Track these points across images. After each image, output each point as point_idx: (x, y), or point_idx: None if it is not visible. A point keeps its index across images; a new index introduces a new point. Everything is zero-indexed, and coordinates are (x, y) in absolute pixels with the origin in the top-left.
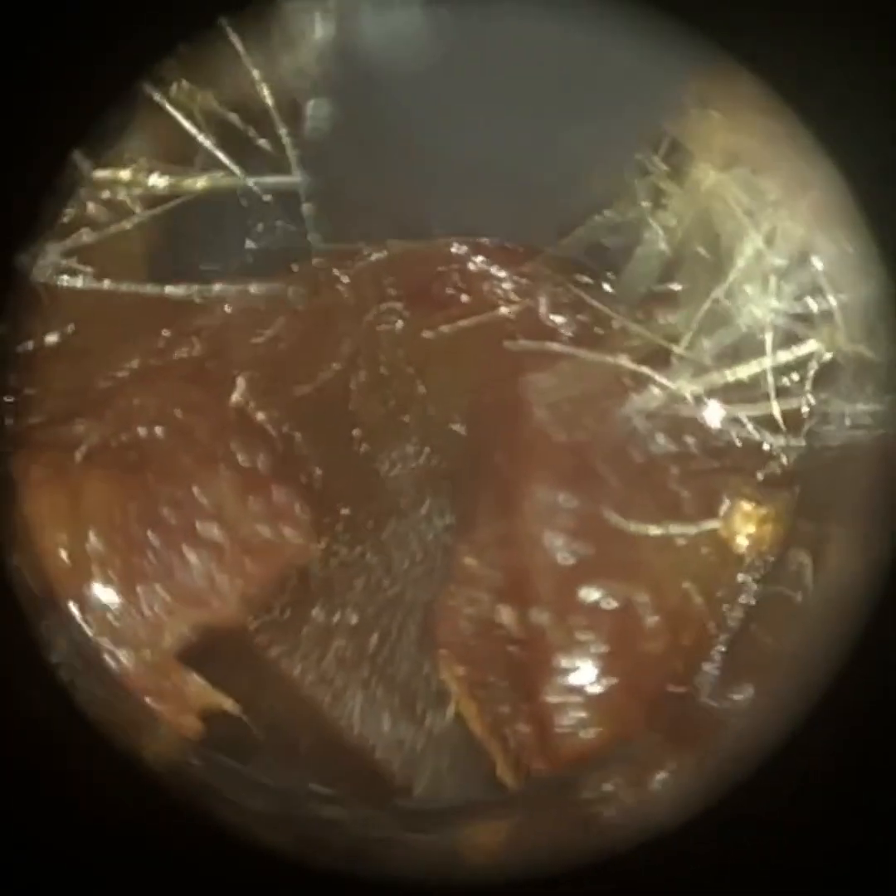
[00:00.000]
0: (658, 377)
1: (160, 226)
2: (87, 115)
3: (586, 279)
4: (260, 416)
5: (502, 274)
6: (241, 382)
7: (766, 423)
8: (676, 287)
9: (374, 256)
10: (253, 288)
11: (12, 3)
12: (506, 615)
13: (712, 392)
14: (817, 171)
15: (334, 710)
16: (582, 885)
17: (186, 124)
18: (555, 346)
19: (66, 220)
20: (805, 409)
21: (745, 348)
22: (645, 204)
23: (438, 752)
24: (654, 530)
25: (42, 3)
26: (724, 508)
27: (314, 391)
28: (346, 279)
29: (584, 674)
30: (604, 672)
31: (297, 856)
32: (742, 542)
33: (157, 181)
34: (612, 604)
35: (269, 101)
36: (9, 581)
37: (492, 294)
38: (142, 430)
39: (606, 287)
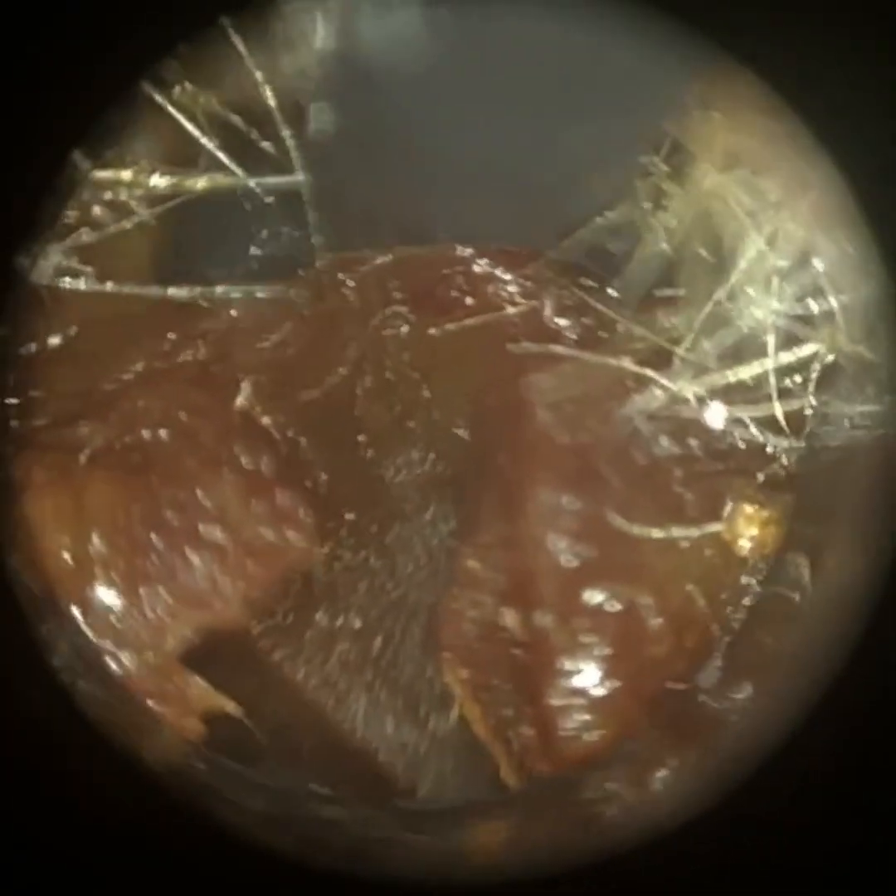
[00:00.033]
0: (661, 379)
1: (165, 234)
2: (87, 115)
3: (590, 282)
4: (265, 420)
5: (507, 276)
6: (246, 386)
7: (769, 424)
8: (678, 288)
9: (379, 260)
10: (259, 292)
11: (12, 3)
12: (509, 618)
13: (715, 393)
14: (817, 171)
15: (338, 713)
16: (582, 885)
17: (189, 127)
18: (558, 349)
19: (68, 220)
20: (808, 411)
21: (747, 349)
22: (646, 205)
23: (442, 755)
24: (657, 533)
25: (42, 3)
26: (727, 511)
27: (321, 396)
28: (351, 284)
29: (588, 676)
30: (607, 675)
31: (297, 856)
32: (745, 544)
33: (159, 181)
34: (616, 606)
35: (272, 102)
36: (10, 582)
37: (496, 296)
38: (146, 433)
39: (610, 290)
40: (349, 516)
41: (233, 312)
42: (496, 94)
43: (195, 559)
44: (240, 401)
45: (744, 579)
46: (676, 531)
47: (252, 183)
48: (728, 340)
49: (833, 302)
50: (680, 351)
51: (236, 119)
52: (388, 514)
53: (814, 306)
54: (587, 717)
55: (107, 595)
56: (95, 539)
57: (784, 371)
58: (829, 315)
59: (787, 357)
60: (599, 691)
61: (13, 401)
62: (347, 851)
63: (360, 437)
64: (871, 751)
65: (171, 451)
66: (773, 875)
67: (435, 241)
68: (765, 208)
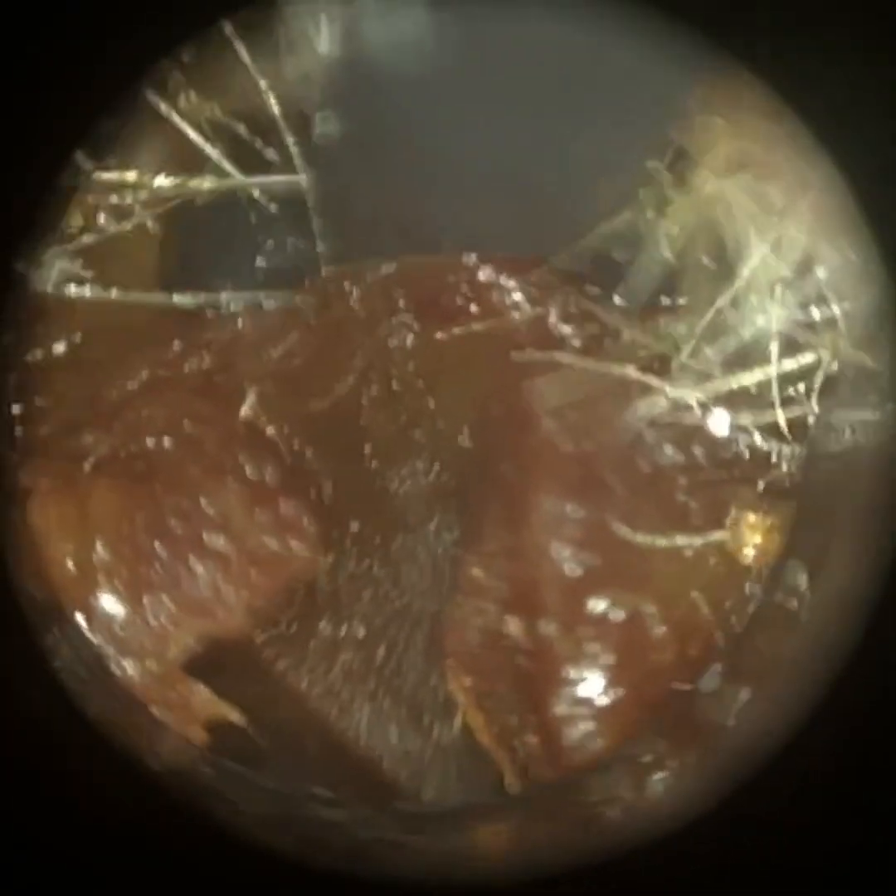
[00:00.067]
0: (664, 386)
1: (171, 244)
2: (87, 115)
3: (595, 289)
4: (270, 429)
5: (511, 283)
6: (251, 395)
7: (771, 431)
8: (681, 296)
9: (384, 269)
10: (264, 302)
11: (12, 3)
12: (513, 626)
13: (718, 400)
14: (818, 172)
15: (341, 722)
16: (582, 886)
17: (194, 136)
18: (563, 357)
19: (71, 224)
20: (810, 418)
21: (750, 356)
22: (650, 212)
23: (446, 763)
24: (662, 541)
25: (42, 3)
26: (731, 519)
27: (326, 406)
28: (356, 293)
29: (592, 685)
30: (611, 683)
31: (297, 856)
32: (749, 552)
33: (164, 182)
34: (620, 614)
35: (276, 110)
36: (14, 589)
37: (501, 303)
38: (150, 441)
39: (615, 298)
40: (353, 526)
41: (238, 322)
42: (500, 98)
43: (199, 568)
44: (245, 410)
45: (747, 587)
46: (681, 539)
47: (255, 184)
48: (731, 347)
49: (835, 308)
50: (683, 358)
51: (241, 127)
52: (392, 523)
53: (816, 313)
54: (591, 725)
55: (110, 603)
56: (99, 547)
57: (787, 378)
58: (831, 322)
59: (789, 364)
60: (604, 700)
61: (17, 408)
62: (348, 852)
63: (366, 448)
64: (871, 751)
65: (176, 459)
66: (773, 875)
67: (439, 248)
68: (769, 215)
